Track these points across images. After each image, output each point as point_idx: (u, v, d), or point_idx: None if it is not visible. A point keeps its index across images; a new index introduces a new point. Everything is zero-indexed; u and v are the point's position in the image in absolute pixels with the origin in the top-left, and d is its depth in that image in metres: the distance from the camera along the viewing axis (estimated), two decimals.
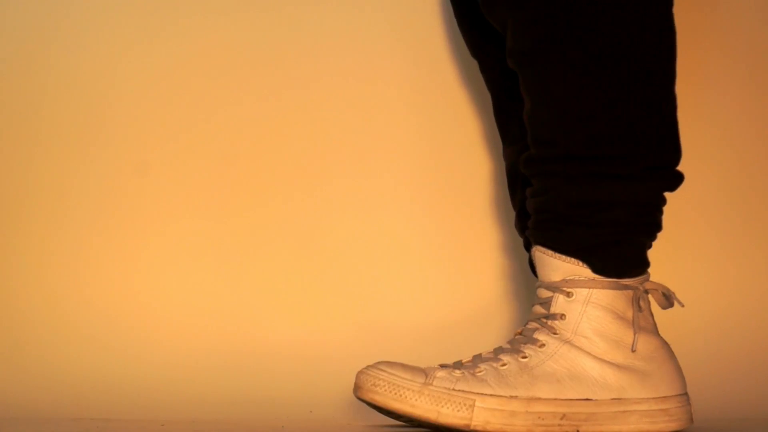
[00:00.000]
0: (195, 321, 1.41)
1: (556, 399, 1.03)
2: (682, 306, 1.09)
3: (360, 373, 1.06)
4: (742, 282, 1.40)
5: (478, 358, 1.07)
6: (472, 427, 1.02)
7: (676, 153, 1.07)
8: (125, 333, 1.41)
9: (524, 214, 1.17)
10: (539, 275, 1.09)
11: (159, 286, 1.43)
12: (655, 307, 1.11)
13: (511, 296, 1.39)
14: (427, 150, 1.42)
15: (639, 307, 1.07)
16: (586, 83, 1.03)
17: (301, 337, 1.39)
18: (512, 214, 1.23)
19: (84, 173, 1.44)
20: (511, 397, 1.02)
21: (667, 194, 1.09)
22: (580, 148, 1.04)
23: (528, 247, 1.19)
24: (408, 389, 1.03)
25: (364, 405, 1.09)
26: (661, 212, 1.08)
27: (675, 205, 1.16)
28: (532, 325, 1.08)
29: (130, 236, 1.43)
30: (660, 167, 1.06)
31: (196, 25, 1.44)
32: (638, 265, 1.08)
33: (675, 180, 1.07)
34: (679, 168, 1.07)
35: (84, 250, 1.44)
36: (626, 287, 1.06)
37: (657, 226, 1.08)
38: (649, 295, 1.09)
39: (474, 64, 1.27)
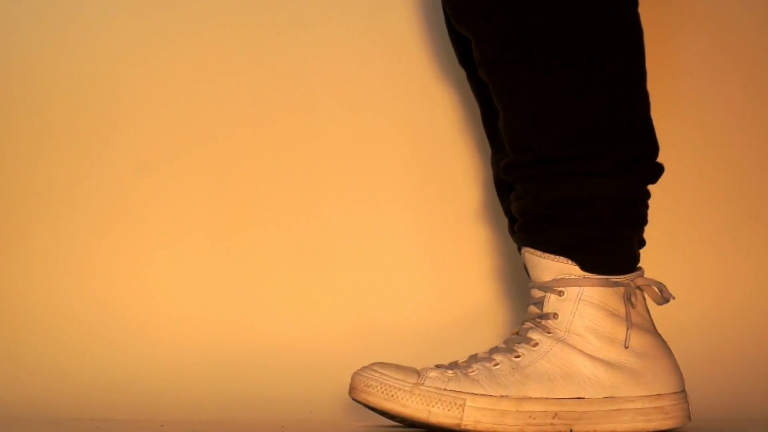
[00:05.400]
0: (194, 321, 1.41)
1: (547, 398, 1.03)
2: (673, 298, 1.09)
3: (355, 374, 1.08)
4: (739, 279, 1.40)
5: (473, 359, 1.08)
6: (462, 427, 1.03)
7: (650, 145, 1.07)
8: (125, 333, 1.41)
9: (515, 220, 1.18)
10: (531, 276, 1.10)
11: (158, 286, 1.43)
12: (651, 306, 1.11)
13: (506, 296, 1.39)
14: (422, 156, 1.42)
15: (631, 303, 1.07)
16: (550, 87, 1.04)
17: (300, 338, 1.40)
18: (504, 216, 1.23)
19: (83, 173, 1.45)
20: (502, 396, 1.03)
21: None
22: (552, 150, 1.05)
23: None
24: (399, 389, 1.04)
25: (363, 406, 1.09)
26: (645, 205, 1.09)
27: (672, 201, 1.16)
28: (527, 325, 1.09)
29: (130, 236, 1.43)
30: (635, 160, 1.06)
31: (198, 28, 1.44)
32: (627, 260, 1.09)
33: (653, 172, 1.08)
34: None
35: (84, 250, 1.44)
36: (617, 284, 1.07)
37: (641, 219, 1.09)
38: (644, 293, 1.09)
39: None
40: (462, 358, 1.09)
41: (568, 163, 1.05)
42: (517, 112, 1.07)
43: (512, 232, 1.20)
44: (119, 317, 1.42)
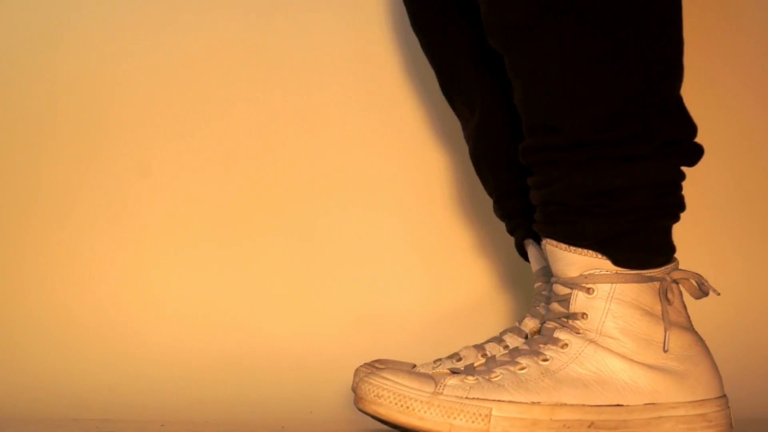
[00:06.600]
0: (195, 322, 1.41)
1: (583, 405, 0.93)
2: (718, 294, 0.98)
3: (361, 382, 0.95)
4: (738, 278, 1.40)
5: (492, 362, 0.97)
6: None
7: (690, 125, 0.96)
8: (125, 333, 1.41)
9: (504, 198, 1.13)
10: (553, 270, 0.99)
11: (159, 287, 1.43)
12: (687, 299, 1.02)
13: (505, 284, 1.39)
14: (416, 152, 1.43)
15: (668, 300, 0.96)
16: (586, 58, 0.91)
17: (300, 338, 1.40)
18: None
19: (84, 174, 1.45)
20: (533, 403, 0.92)
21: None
22: (586, 132, 0.93)
23: (512, 232, 1.16)
24: (415, 400, 0.92)
25: (372, 418, 1.07)
26: (681, 189, 0.98)
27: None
28: (551, 324, 0.98)
29: (131, 237, 1.44)
30: (676, 141, 0.95)
31: (198, 28, 1.44)
32: (664, 252, 0.98)
33: (694, 153, 0.97)
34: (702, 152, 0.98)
35: (84, 250, 1.44)
36: (652, 279, 0.96)
37: (680, 206, 0.98)
38: (680, 286, 0.99)
39: None
40: (478, 360, 1.00)
41: (606, 147, 0.93)
42: (543, 88, 0.93)
43: (501, 212, 1.15)
44: (119, 317, 1.42)
